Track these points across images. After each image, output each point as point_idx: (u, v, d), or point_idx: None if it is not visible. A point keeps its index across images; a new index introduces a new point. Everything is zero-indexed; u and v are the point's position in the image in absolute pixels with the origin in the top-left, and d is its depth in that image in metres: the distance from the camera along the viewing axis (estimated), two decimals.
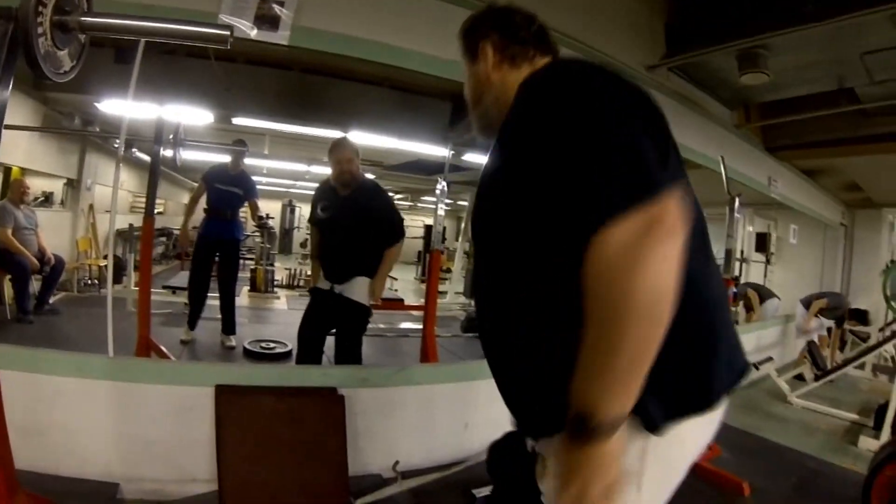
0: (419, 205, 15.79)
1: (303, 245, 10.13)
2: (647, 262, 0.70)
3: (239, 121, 5.30)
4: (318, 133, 5.99)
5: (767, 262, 9.06)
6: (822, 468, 3.37)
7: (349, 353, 3.18)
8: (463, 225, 10.10)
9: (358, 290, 3.17)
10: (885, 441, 3.35)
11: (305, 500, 2.38)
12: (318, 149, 7.68)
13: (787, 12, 3.37)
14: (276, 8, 2.30)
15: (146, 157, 6.99)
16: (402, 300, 7.68)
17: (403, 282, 10.44)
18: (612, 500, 0.77)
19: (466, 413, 3.05)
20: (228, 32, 1.16)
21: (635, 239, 0.70)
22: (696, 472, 3.04)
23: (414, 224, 15.50)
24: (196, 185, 5.16)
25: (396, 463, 2.70)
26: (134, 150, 6.54)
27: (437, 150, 6.53)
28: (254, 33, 2.30)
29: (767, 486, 2.96)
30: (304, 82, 5.52)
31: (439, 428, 3.02)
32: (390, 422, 2.85)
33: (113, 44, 4.06)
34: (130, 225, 7.79)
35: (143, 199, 7.89)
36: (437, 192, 3.71)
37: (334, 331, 3.27)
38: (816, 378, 5.00)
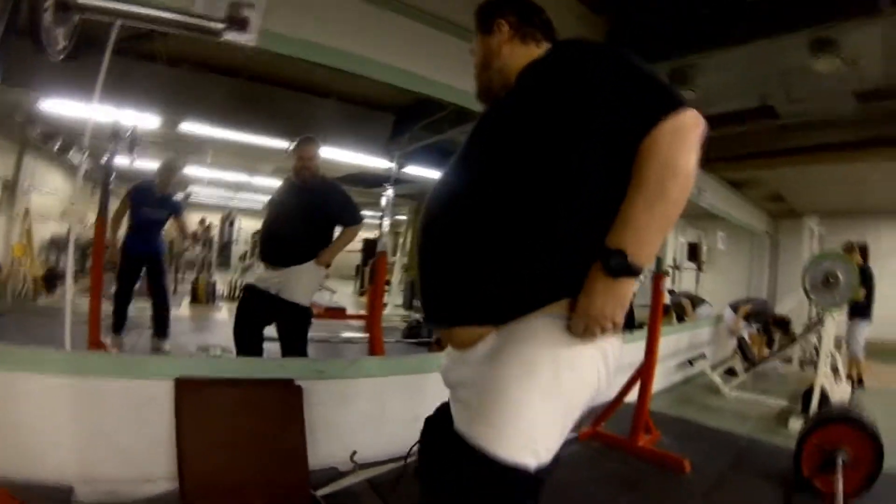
0: None
1: (242, 258, 9.95)
2: (690, 146, 0.99)
3: (186, 127, 5.21)
4: (263, 142, 5.99)
5: (699, 269, 9.57)
6: (756, 446, 3.64)
7: (295, 353, 3.22)
8: (401, 240, 10.18)
9: (296, 284, 3.21)
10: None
11: (267, 492, 2.39)
12: (260, 159, 7.66)
13: (717, 34, 3.67)
14: (246, 10, 2.37)
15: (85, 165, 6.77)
16: (344, 309, 7.76)
17: (343, 295, 10.42)
18: (618, 320, 1.01)
19: (417, 405, 3.11)
20: (221, 26, 1.23)
21: (683, 128, 0.99)
22: (640, 454, 3.26)
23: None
24: None
25: (354, 453, 2.75)
26: (72, 153, 6.26)
27: (379, 163, 6.67)
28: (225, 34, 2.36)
29: (706, 463, 3.17)
30: (251, 91, 5.52)
31: (392, 420, 3.07)
32: (346, 414, 2.90)
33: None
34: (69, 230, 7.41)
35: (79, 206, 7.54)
36: (384, 198, 3.82)
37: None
38: (746, 370, 5.37)
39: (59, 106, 4.57)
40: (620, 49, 1.10)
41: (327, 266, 3.31)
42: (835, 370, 4.18)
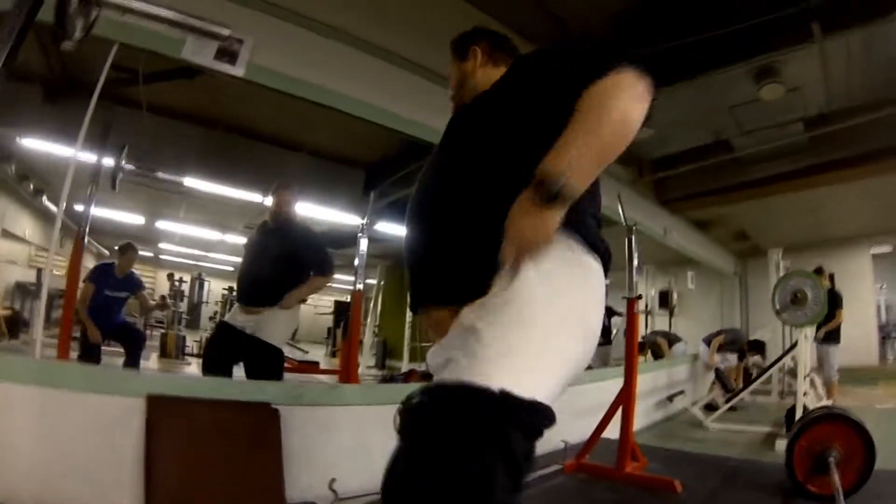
0: (328, 285, 15.62)
1: (212, 318, 9.75)
2: (627, 95, 1.03)
3: (162, 175, 5.23)
4: (236, 195, 6.02)
5: (671, 314, 9.71)
6: (746, 465, 3.59)
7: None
8: (371, 304, 10.17)
9: (271, 325, 3.20)
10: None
11: None
12: (232, 215, 7.66)
13: (665, 71, 3.89)
14: (237, 43, 2.52)
15: (53, 208, 6.63)
16: (317, 363, 7.72)
17: (314, 357, 10.23)
18: (538, 250, 1.01)
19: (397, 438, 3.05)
20: (227, 32, 1.32)
21: (620, 82, 1.03)
22: (628, 481, 3.19)
23: (322, 302, 15.39)
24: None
25: (333, 480, 2.62)
26: (45, 197, 6.18)
27: (350, 219, 6.68)
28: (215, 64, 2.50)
29: (697, 483, 3.10)
30: (227, 142, 5.62)
31: (373, 452, 2.97)
32: (325, 443, 2.79)
33: (42, 81, 4.02)
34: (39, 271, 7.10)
35: (46, 255, 7.34)
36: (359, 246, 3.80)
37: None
38: (727, 400, 5.36)
39: (36, 146, 4.51)
40: (566, 41, 1.24)
41: (291, 307, 3.30)
42: (813, 387, 4.21)
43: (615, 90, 1.02)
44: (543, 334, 1.01)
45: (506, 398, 0.93)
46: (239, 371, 3.19)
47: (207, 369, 3.17)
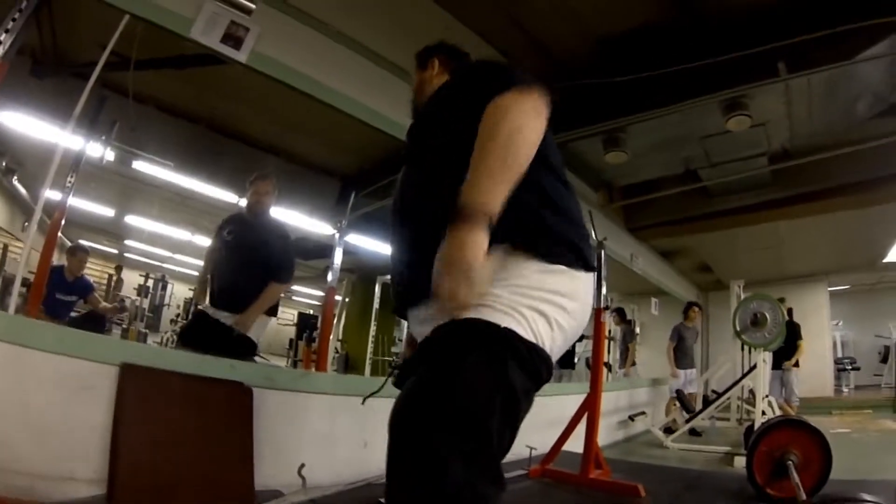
0: (289, 295, 15.63)
1: (173, 321, 9.54)
2: (520, 107, 1.11)
3: (138, 165, 5.15)
4: (211, 192, 5.97)
5: (634, 342, 9.87)
6: (707, 475, 3.71)
7: None
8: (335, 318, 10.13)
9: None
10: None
11: (210, 494, 2.21)
12: (205, 214, 7.55)
13: (642, 100, 4.12)
14: (243, 30, 2.59)
15: (23, 190, 6.42)
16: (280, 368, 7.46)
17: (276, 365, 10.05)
18: (469, 278, 1.00)
19: (367, 430, 3.06)
20: (253, 5, 1.39)
21: (515, 97, 1.12)
22: (592, 485, 3.24)
23: (285, 315, 15.16)
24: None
25: (302, 466, 2.61)
26: (15, 178, 5.97)
27: (322, 228, 6.71)
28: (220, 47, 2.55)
29: (660, 488, 3.17)
30: (208, 139, 5.61)
31: (343, 442, 2.98)
32: (295, 431, 2.79)
33: (31, 53, 3.97)
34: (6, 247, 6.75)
35: (8, 239, 7.05)
36: (336, 233, 3.80)
37: None
38: (687, 421, 5.49)
39: (14, 121, 4.25)
40: (492, 61, 1.43)
41: (248, 329, 3.20)
42: (771, 408, 4.36)
43: (502, 109, 1.10)
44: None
45: (509, 332, 1.02)
46: None
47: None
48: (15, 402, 2.02)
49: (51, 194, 2.93)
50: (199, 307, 3.36)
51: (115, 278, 9.72)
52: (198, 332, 3.25)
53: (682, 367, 6.50)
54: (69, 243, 5.12)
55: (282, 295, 3.60)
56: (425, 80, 1.60)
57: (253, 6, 1.38)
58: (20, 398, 2.04)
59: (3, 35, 1.10)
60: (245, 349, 3.16)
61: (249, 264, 3.20)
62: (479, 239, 1.00)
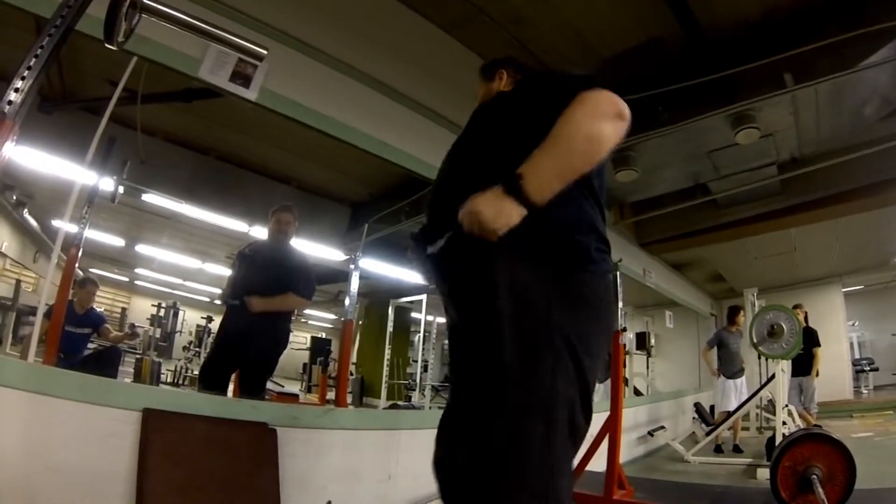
0: (302, 319, 15.81)
1: (185, 349, 9.55)
2: (598, 111, 1.16)
3: (148, 198, 5.20)
4: (222, 223, 6.02)
5: (648, 355, 9.85)
6: (731, 491, 3.67)
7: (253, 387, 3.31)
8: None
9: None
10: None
11: None
12: (215, 244, 7.62)
13: (648, 118, 4.10)
14: (251, 68, 2.61)
15: (33, 222, 6.47)
16: (297, 395, 7.76)
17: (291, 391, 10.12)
18: (494, 230, 1.11)
19: (390, 463, 3.08)
20: (265, 51, 1.40)
21: (592, 98, 1.17)
22: None
23: (298, 338, 15.30)
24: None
25: (328, 503, 2.60)
26: (25, 210, 6.02)
27: (334, 254, 6.80)
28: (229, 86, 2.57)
29: None
30: (218, 169, 5.68)
31: (367, 477, 2.98)
32: (320, 467, 2.78)
33: (39, 89, 4.00)
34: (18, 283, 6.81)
35: (19, 270, 7.09)
36: (351, 264, 3.88)
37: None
38: (707, 434, 5.42)
39: (23, 155, 4.31)
40: (562, 69, 1.49)
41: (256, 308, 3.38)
42: (791, 417, 4.31)
43: (586, 108, 1.14)
44: None
45: None
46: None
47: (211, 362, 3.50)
48: (38, 451, 2.02)
49: (61, 225, 2.97)
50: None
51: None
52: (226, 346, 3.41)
53: (729, 375, 5.91)
54: (81, 274, 5.15)
55: (295, 316, 3.76)
56: (492, 91, 1.68)
57: (265, 52, 1.38)
58: (43, 447, 2.04)
59: (13, 94, 1.10)
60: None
61: (275, 281, 3.43)
62: (512, 213, 1.10)
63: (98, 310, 4.78)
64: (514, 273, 1.14)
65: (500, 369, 1.08)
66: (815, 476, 2.62)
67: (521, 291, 1.13)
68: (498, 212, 1.10)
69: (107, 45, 1.18)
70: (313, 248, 6.59)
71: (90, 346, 4.77)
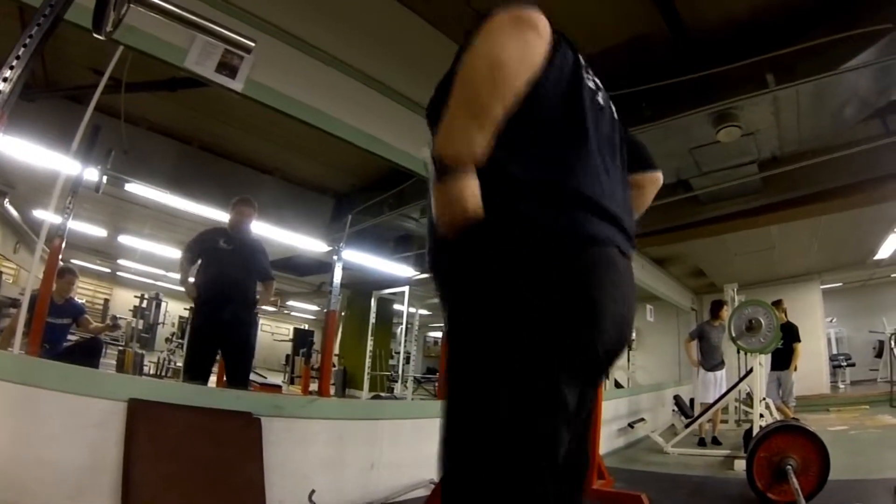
0: (285, 311, 15.86)
1: (168, 340, 9.49)
2: (491, 31, 0.92)
3: (131, 188, 5.14)
4: (202, 212, 5.98)
5: (629, 348, 9.98)
6: (709, 481, 3.77)
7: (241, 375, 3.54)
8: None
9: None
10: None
11: None
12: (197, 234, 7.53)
13: (630, 115, 4.18)
14: (237, 59, 2.59)
15: (14, 213, 6.39)
16: (280, 386, 7.97)
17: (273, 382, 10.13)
18: (454, 227, 0.94)
19: (373, 453, 3.12)
20: (253, 43, 1.40)
21: (490, 22, 0.93)
22: (595, 496, 3.27)
23: (279, 330, 15.32)
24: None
25: (312, 492, 2.63)
26: (6, 201, 5.93)
27: (316, 246, 6.78)
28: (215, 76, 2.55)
29: (663, 497, 3.23)
30: (200, 159, 5.64)
31: (351, 466, 3.02)
32: (304, 456, 2.81)
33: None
34: None
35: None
36: (335, 255, 4.00)
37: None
38: (686, 426, 5.53)
39: (4, 145, 4.19)
40: None
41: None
42: (769, 409, 4.41)
43: (479, 37, 0.92)
44: None
45: None
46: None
47: (195, 353, 3.60)
48: (25, 441, 2.03)
49: (43, 215, 2.93)
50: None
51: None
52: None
53: (709, 368, 5.95)
54: (60, 264, 5.10)
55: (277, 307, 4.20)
56: None
57: (253, 44, 1.39)
58: (30, 437, 2.05)
59: (1, 84, 1.10)
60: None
61: (256, 272, 3.94)
62: (459, 198, 0.92)
63: (78, 300, 4.74)
64: (478, 277, 0.98)
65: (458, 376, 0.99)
66: (789, 466, 2.70)
67: (487, 296, 0.96)
68: (444, 204, 0.93)
69: (95, 35, 1.19)
70: (296, 239, 6.59)
71: (71, 337, 4.71)
